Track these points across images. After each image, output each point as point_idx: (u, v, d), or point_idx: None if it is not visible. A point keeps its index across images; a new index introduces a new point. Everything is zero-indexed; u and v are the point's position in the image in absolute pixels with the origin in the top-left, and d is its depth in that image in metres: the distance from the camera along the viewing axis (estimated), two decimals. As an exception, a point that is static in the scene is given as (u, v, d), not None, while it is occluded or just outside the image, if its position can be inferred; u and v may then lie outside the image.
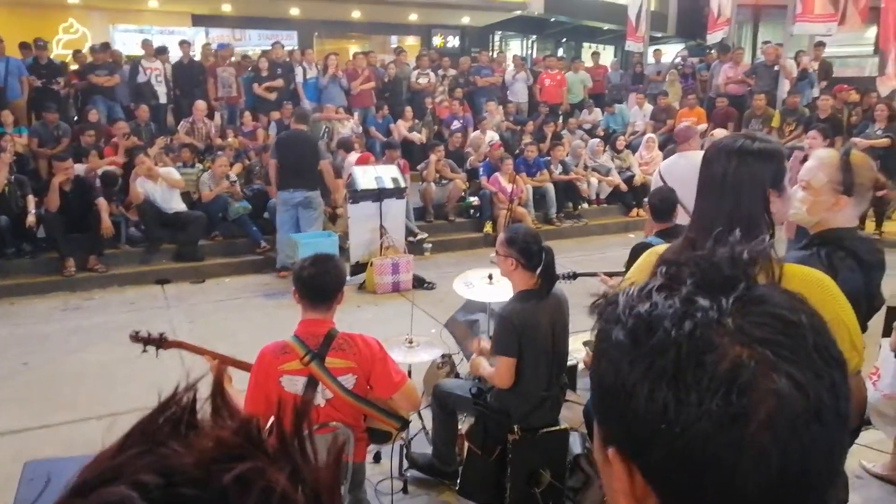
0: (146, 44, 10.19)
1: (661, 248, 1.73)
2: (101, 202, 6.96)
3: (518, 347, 2.84)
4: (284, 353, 2.43)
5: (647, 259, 1.71)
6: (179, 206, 7.54)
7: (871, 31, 15.75)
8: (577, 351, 3.94)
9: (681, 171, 5.35)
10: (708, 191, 1.60)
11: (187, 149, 8.48)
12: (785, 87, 10.51)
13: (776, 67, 10.68)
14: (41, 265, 6.94)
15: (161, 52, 10.16)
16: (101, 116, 9.06)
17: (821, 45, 10.92)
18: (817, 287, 1.49)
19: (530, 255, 2.84)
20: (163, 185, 7.47)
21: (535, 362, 2.89)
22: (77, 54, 10.13)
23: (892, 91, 10.50)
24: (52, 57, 9.93)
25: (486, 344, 3.21)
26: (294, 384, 2.41)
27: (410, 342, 3.53)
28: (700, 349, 0.54)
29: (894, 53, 10.67)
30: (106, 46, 10.38)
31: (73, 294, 6.66)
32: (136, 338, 2.77)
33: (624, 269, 4.17)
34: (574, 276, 4.25)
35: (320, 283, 2.49)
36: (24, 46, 9.54)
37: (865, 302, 1.87)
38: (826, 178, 1.91)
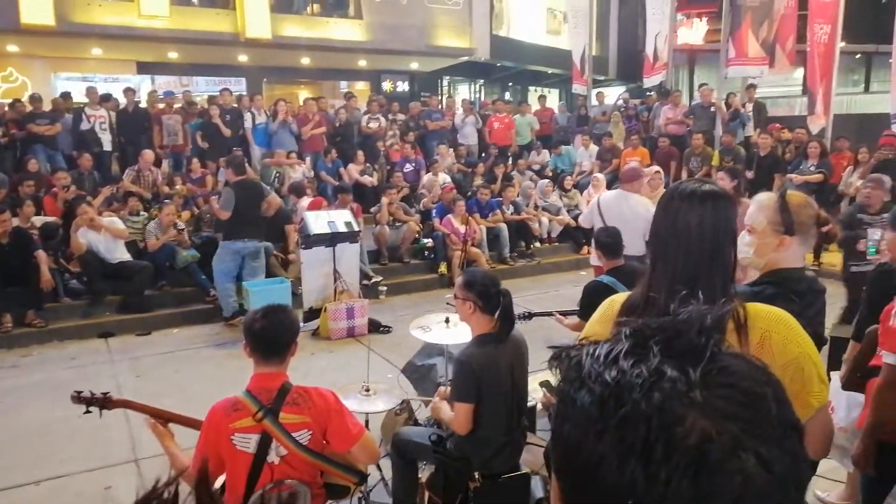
0: (90, 91, 10.02)
1: (621, 297, 1.72)
2: (41, 254, 6.70)
3: (477, 393, 2.80)
4: (236, 409, 2.34)
5: (608, 310, 1.70)
6: (124, 255, 7.32)
7: (799, 73, 16.73)
8: (536, 391, 3.93)
9: (621, 209, 5.48)
10: (679, 240, 1.56)
11: (134, 197, 8.28)
12: (720, 126, 10.99)
13: (712, 108, 11.18)
14: (-25, 322, 6.59)
15: (105, 99, 9.99)
16: (41, 166, 8.80)
17: (752, 86, 11.48)
18: (783, 325, 1.52)
19: (488, 298, 2.84)
20: (106, 235, 7.26)
21: (495, 407, 2.86)
22: (16, 103, 9.85)
23: (821, 129, 11.09)
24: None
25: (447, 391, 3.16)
26: (246, 442, 2.31)
27: (367, 390, 3.46)
28: (669, 423, 0.53)
29: (821, 94, 11.30)
30: (66, 95, 10.22)
31: (10, 351, 6.32)
32: (78, 398, 2.63)
33: (577, 308, 4.23)
34: (529, 315, 4.26)
35: (272, 336, 2.42)
36: (-41, 96, 9.26)
37: (812, 340, 1.92)
38: (766, 220, 1.96)
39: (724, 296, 1.54)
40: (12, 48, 12.44)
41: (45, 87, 12.59)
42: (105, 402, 2.65)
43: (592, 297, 4.00)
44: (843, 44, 11.83)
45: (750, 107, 11.27)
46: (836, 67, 11.37)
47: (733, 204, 1.61)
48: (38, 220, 7.56)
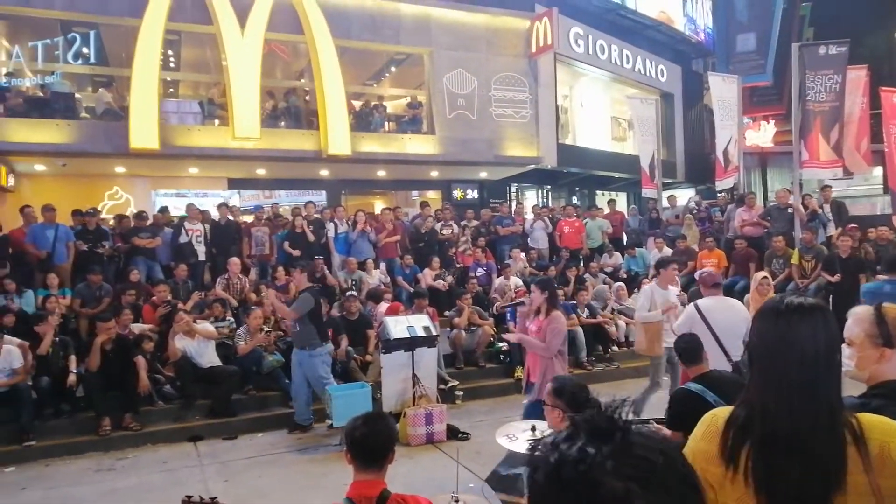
0: (190, 207, 10.89)
1: (723, 412, 1.72)
2: (140, 360, 7.13)
3: None
4: (339, 515, 2.41)
5: (712, 426, 1.69)
6: (214, 360, 7.67)
7: (878, 171, 16.39)
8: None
9: (724, 315, 5.44)
10: (794, 351, 1.58)
11: (218, 304, 8.73)
12: (799, 227, 10.80)
13: (790, 210, 11.04)
14: (77, 425, 6.95)
15: (204, 214, 10.85)
16: (141, 276, 9.48)
17: (828, 187, 11.34)
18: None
19: (578, 405, 2.86)
20: (199, 340, 7.67)
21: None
22: (122, 219, 10.79)
23: (905, 229, 10.73)
24: (99, 222, 10.53)
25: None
26: (350, 548, 2.37)
27: (457, 501, 3.46)
28: (593, 486, 0.79)
29: (904, 192, 11.02)
30: (164, 210, 11.27)
31: (107, 454, 6.60)
32: (188, 502, 2.76)
33: (665, 417, 4.12)
34: (615, 423, 4.17)
35: (373, 444, 2.51)
36: (76, 213, 10.21)
37: None
38: (863, 333, 1.96)
39: (839, 401, 1.56)
40: (119, 169, 13.69)
41: (145, 202, 13.73)
42: (212, 507, 2.77)
43: (681, 407, 3.90)
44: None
45: (828, 207, 11.09)
46: (918, 166, 11.14)
47: None
48: (136, 328, 8.07)
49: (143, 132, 11.68)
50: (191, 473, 6.06)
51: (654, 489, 0.79)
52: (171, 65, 14.52)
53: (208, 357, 7.66)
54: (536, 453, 0.87)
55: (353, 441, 2.53)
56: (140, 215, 10.51)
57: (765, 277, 7.05)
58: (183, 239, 10.21)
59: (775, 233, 10.62)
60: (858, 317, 2.01)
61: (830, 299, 9.44)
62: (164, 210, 11.32)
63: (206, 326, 7.86)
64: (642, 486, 0.78)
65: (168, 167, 13.77)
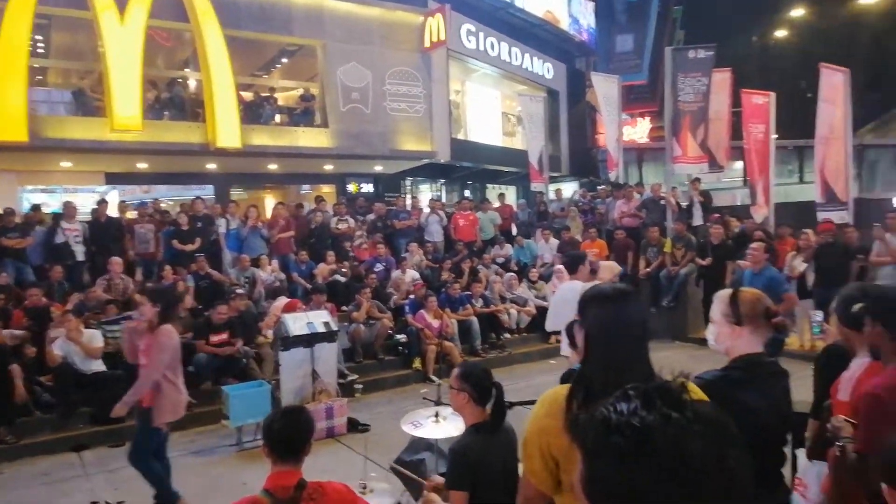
0: (68, 206, 10.17)
1: (562, 389, 1.86)
2: (15, 368, 6.64)
3: (472, 482, 2.93)
4: (255, 508, 2.45)
5: (555, 404, 1.86)
6: (99, 366, 7.27)
7: (738, 165, 17.95)
8: (524, 481, 4.04)
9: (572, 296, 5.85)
10: (607, 335, 1.79)
11: (112, 305, 8.27)
12: (670, 218, 11.70)
13: (662, 202, 11.92)
14: (-59, 442, 6.40)
15: (81, 212, 10.17)
16: (10, 279, 8.79)
17: (697, 180, 12.34)
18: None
19: (482, 390, 3.03)
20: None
21: (489, 497, 2.98)
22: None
23: (764, 218, 11.89)
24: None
25: (438, 479, 3.28)
26: (266, 539, 2.41)
27: (364, 487, 3.56)
28: (684, 449, 0.83)
29: (761, 185, 12.20)
30: (36, 208, 10.51)
31: (-22, 471, 6.13)
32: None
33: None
34: (510, 405, 4.42)
35: (291, 436, 2.58)
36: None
37: (775, 418, 2.18)
38: (720, 312, 2.28)
39: (652, 371, 1.75)
40: (-21, 163, 12.57)
41: (11, 199, 12.63)
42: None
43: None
44: (776, 136, 12.88)
45: (696, 196, 12.07)
46: (773, 162, 12.32)
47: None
48: (7, 334, 7.47)
49: (9, 123, 10.79)
50: (76, 484, 5.76)
51: (735, 448, 0.84)
52: (41, 51, 13.45)
53: (93, 363, 7.24)
54: (606, 419, 0.86)
55: (270, 434, 2.58)
56: (7, 212, 9.68)
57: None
58: (59, 239, 9.53)
59: (650, 223, 11.43)
60: (718, 298, 2.33)
61: (702, 283, 10.33)
62: (36, 208, 10.51)
63: (94, 338, 7.38)
64: (726, 443, 0.83)
65: (37, 161, 12.79)
